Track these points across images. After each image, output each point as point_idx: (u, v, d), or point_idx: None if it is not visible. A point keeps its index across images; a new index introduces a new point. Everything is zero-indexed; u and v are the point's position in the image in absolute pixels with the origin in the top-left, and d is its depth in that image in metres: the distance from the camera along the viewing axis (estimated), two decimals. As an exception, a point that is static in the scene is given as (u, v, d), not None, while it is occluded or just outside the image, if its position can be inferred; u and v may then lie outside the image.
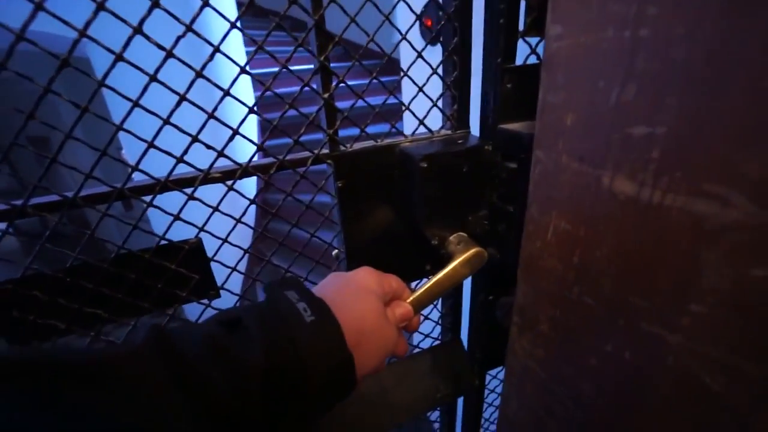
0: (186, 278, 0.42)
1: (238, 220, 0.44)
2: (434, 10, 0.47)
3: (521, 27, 0.45)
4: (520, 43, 0.45)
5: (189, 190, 0.39)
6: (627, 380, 0.29)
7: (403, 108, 0.47)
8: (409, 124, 0.48)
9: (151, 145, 0.37)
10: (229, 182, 0.42)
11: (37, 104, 0.32)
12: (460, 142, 0.47)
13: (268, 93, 0.41)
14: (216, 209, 0.41)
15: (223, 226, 0.44)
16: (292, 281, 0.35)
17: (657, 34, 0.22)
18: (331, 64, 0.41)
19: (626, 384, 0.29)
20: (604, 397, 0.31)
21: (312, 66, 0.41)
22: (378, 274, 0.40)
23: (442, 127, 0.52)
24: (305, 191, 0.44)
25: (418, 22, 0.44)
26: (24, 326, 0.35)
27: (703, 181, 0.21)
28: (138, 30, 0.32)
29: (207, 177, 0.39)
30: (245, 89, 2.83)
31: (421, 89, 0.46)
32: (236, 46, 2.92)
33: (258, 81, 0.40)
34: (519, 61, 0.46)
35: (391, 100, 0.49)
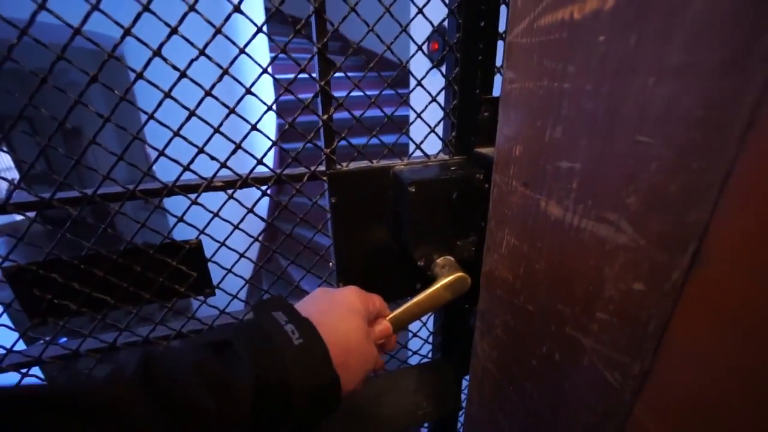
0: (185, 275, 0.47)
1: (236, 227, 0.48)
2: (440, 36, 0.49)
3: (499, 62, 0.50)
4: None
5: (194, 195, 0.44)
6: (555, 378, 0.33)
7: (404, 131, 0.50)
8: (415, 138, 0.52)
9: (161, 153, 0.42)
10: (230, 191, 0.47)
11: (68, 114, 0.38)
12: (453, 168, 0.48)
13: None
14: (216, 215, 0.46)
15: (230, 230, 0.48)
16: (279, 302, 0.37)
17: (574, 87, 0.27)
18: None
19: (555, 381, 0.33)
20: (541, 392, 0.36)
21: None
22: (363, 293, 0.41)
23: (440, 152, 0.53)
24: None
25: (424, 42, 0.48)
26: (42, 304, 0.40)
27: (604, 209, 0.25)
28: (157, 53, 0.38)
29: (210, 185, 0.44)
30: (267, 89, 2.87)
31: (419, 115, 0.49)
32: (261, 47, 2.92)
33: (261, 101, 0.46)
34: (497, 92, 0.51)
35: (399, 113, 0.50)
